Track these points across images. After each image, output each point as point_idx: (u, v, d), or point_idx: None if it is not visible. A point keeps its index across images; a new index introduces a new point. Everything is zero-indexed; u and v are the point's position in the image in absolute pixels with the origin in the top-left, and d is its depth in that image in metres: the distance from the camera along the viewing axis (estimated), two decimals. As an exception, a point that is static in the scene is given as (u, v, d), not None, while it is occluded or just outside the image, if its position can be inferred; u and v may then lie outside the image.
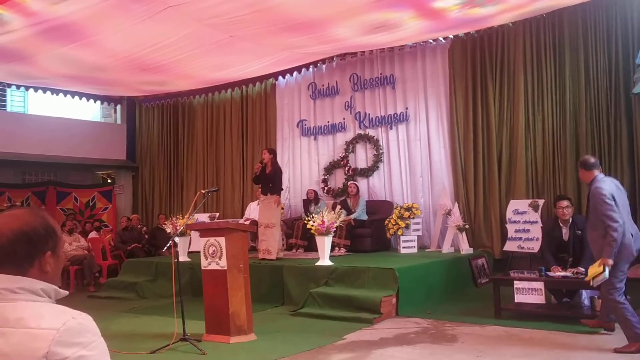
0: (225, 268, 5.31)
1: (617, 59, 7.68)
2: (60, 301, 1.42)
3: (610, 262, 4.42)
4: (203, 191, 5.83)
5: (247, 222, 9.91)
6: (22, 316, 1.28)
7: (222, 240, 5.36)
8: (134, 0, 6.24)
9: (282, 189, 8.51)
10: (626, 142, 7.58)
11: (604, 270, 4.43)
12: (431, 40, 9.22)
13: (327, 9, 6.44)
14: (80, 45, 7.54)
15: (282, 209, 10.49)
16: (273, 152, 8.37)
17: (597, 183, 4.63)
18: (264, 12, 6.44)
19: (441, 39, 9.14)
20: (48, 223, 1.45)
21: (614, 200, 4.51)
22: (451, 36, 8.96)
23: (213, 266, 5.41)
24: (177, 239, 5.40)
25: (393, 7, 6.43)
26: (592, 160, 4.81)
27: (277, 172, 8.19)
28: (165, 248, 5.30)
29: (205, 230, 5.63)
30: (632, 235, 4.59)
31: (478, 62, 8.94)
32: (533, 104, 8.39)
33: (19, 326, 1.27)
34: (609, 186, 4.61)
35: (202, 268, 5.54)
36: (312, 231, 7.35)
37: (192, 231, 8.19)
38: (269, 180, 8.07)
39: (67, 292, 1.47)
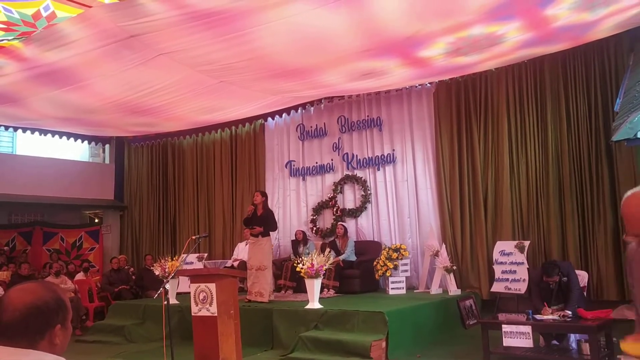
0: (216, 314, 5.32)
1: (596, 105, 7.91)
2: None
3: None
4: (193, 237, 5.88)
5: (236, 263, 9.94)
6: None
7: (212, 286, 5.38)
8: (126, 47, 6.34)
9: (274, 230, 8.57)
10: (608, 185, 7.75)
11: None
12: (417, 84, 9.45)
13: (316, 57, 6.61)
14: (72, 89, 7.63)
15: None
16: (265, 195, 8.45)
17: None
18: (254, 60, 6.59)
19: (427, 83, 9.37)
20: (59, 296, 1.51)
21: None
22: (436, 81, 9.19)
23: (203, 312, 5.42)
24: (167, 286, 5.41)
25: (380, 57, 6.62)
26: None
27: (269, 214, 8.26)
28: (156, 295, 5.30)
29: (196, 277, 5.65)
30: None
31: (463, 106, 9.14)
32: (517, 147, 8.58)
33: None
34: None
35: (193, 314, 5.54)
36: (301, 274, 7.38)
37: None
38: (261, 223, 8.11)
39: (73, 363, 1.53)
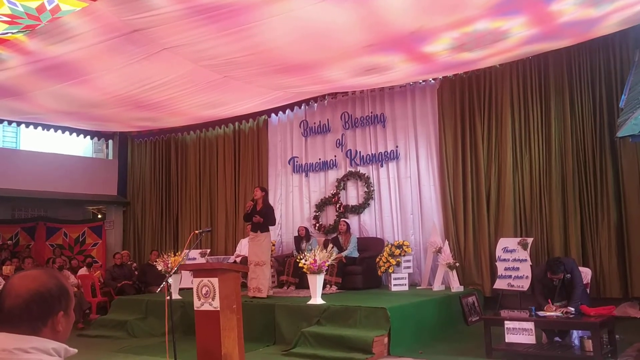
0: (218, 309, 5.31)
1: (601, 101, 7.89)
2: None
3: None
4: (197, 232, 5.87)
5: (239, 259, 9.94)
6: (33, 375, 1.33)
7: (215, 280, 5.37)
8: (130, 42, 6.34)
9: (273, 225, 8.54)
10: (612, 181, 7.72)
11: None
12: (421, 81, 9.42)
13: (320, 53, 6.60)
14: (75, 83, 7.64)
15: (273, 245, 10.53)
16: (265, 190, 8.45)
17: None
18: (258, 55, 6.59)
19: (430, 79, 9.35)
20: (62, 284, 1.51)
21: None
22: (440, 77, 9.16)
23: (206, 307, 5.40)
24: (170, 280, 5.41)
25: (384, 52, 6.61)
26: None
27: (268, 209, 8.25)
28: (159, 290, 5.30)
29: (199, 271, 5.65)
30: None
31: (466, 102, 9.12)
32: (520, 144, 8.56)
33: (30, 385, 1.32)
34: None
35: (195, 309, 5.52)
36: (304, 270, 7.38)
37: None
38: (260, 217, 8.10)
39: (76, 350, 1.52)
